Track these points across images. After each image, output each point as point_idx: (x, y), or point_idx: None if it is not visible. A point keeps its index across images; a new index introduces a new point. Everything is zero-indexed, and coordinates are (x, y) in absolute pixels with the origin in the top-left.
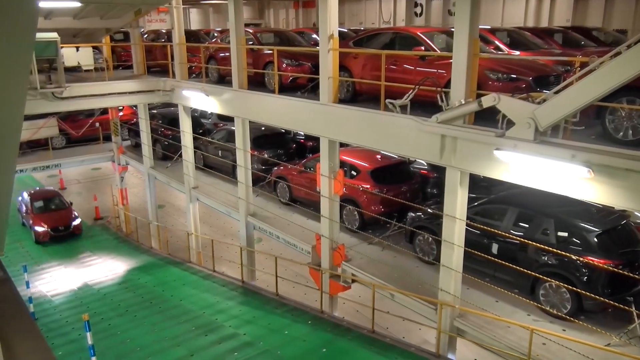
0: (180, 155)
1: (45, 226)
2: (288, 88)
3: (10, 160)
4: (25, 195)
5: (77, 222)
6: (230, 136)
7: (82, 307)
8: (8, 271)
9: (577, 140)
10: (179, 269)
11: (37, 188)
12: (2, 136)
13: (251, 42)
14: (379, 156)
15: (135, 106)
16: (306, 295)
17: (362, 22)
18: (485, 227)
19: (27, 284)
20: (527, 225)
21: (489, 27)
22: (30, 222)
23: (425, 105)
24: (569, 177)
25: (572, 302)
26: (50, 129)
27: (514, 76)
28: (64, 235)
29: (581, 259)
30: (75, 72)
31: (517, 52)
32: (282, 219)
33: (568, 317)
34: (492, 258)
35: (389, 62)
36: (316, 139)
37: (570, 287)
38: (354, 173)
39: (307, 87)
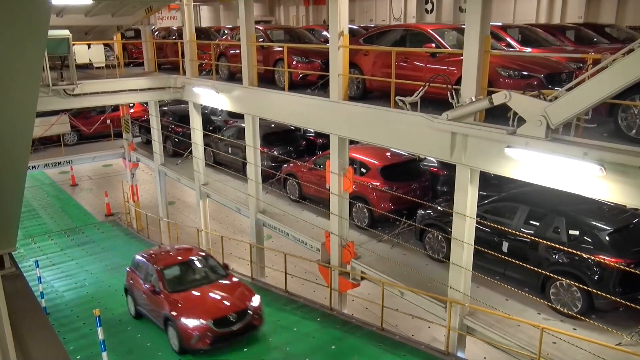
0: (191, 152)
1: (203, 317)
2: (298, 85)
3: (22, 157)
4: (145, 262)
5: (255, 301)
6: (240, 133)
7: (93, 303)
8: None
9: (589, 138)
10: None
11: (160, 246)
12: (14, 133)
13: (261, 40)
14: (388, 154)
15: (146, 103)
16: (315, 293)
17: (372, 19)
18: (495, 225)
19: (39, 279)
20: (537, 224)
21: (501, 23)
22: (168, 311)
23: (436, 103)
24: (581, 175)
25: (583, 300)
26: (62, 125)
27: (526, 73)
28: (238, 332)
29: (592, 257)
30: (86, 69)
31: (529, 49)
32: (292, 216)
33: (579, 316)
34: (503, 256)
35: (399, 59)
36: (326, 136)
37: (581, 285)
38: (363, 170)
39: (317, 84)
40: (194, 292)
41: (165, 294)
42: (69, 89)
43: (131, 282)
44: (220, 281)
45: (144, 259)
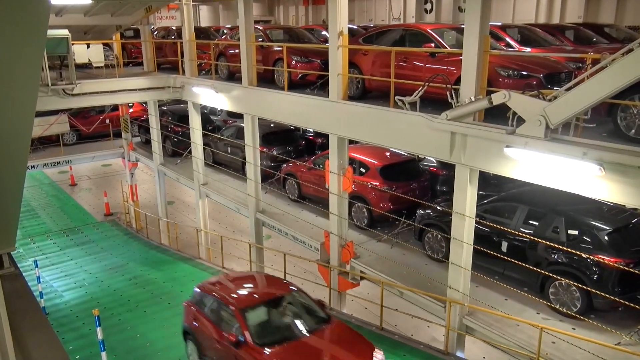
0: (190, 152)
1: None
2: (297, 85)
3: (22, 157)
4: (214, 298)
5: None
6: (240, 133)
7: (92, 302)
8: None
9: (589, 138)
10: (188, 265)
11: (226, 274)
12: (14, 132)
13: (261, 39)
14: (388, 153)
15: (146, 103)
16: (315, 292)
17: (371, 19)
18: (494, 225)
19: (38, 279)
20: (537, 223)
21: (500, 23)
22: None
23: (435, 103)
24: (580, 175)
25: (582, 300)
26: (61, 125)
27: (525, 73)
28: None
29: (592, 257)
30: (86, 69)
31: (528, 49)
32: (291, 216)
33: (578, 316)
34: (502, 256)
35: (399, 59)
36: (325, 136)
37: (580, 285)
38: (363, 170)
39: (317, 84)
40: (296, 346)
41: (254, 347)
42: (68, 88)
43: (195, 324)
44: (324, 327)
45: (213, 294)
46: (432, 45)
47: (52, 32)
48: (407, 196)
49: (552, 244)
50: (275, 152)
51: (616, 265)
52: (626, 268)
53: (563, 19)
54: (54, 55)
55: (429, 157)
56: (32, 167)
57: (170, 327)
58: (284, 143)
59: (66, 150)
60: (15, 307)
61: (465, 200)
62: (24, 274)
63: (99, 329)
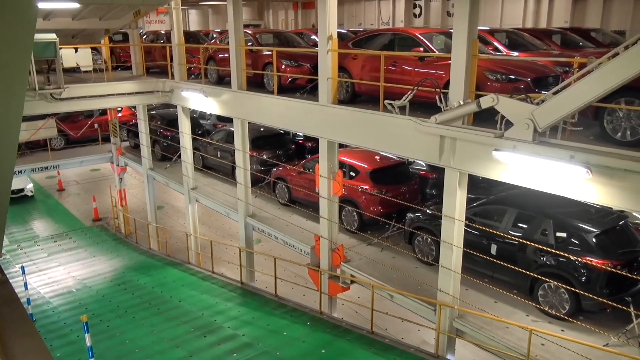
0: (179, 156)
1: None
2: (287, 89)
3: (8, 161)
4: None
5: None
6: (229, 137)
7: (80, 309)
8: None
9: (576, 141)
10: (178, 270)
11: None
12: (1, 137)
13: (250, 43)
14: (378, 157)
15: (134, 107)
16: (305, 296)
17: (361, 23)
18: (484, 228)
19: (25, 285)
20: (526, 226)
21: (488, 28)
22: None
23: (424, 106)
24: (568, 177)
25: (570, 302)
26: (49, 129)
27: (513, 77)
28: None
29: (580, 259)
30: (74, 73)
31: (516, 53)
32: (281, 220)
33: (567, 318)
34: (491, 259)
35: (388, 63)
36: (315, 140)
37: (569, 287)
38: (353, 174)
39: (307, 88)
40: None
41: None
42: (56, 92)
43: None
44: None
45: None
46: (421, 49)
47: (39, 36)
48: (397, 199)
49: (540, 247)
50: (265, 156)
51: (604, 267)
52: (614, 270)
53: (550, 24)
54: (41, 59)
55: (418, 161)
56: (20, 171)
57: (160, 332)
58: (274, 147)
59: (54, 154)
60: (2, 314)
61: (455, 203)
62: (10, 280)
63: (87, 336)
